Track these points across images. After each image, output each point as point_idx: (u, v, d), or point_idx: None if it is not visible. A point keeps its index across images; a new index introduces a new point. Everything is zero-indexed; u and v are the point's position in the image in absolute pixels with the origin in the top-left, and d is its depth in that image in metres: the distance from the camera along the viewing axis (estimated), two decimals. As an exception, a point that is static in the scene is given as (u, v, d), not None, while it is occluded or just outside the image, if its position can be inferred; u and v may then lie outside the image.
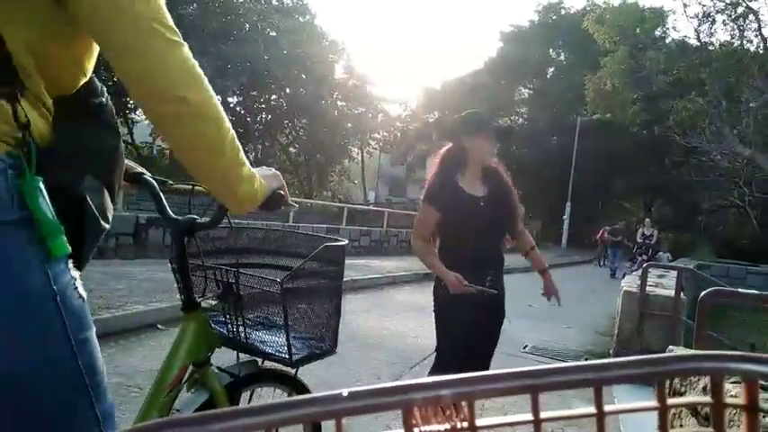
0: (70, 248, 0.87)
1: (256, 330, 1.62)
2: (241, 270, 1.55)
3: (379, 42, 75.00)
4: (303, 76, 24.24)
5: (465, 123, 2.56)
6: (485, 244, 2.55)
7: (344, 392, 0.34)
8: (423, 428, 0.34)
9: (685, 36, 21.58)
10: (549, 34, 30.15)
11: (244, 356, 1.62)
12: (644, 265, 5.41)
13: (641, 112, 18.40)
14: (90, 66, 0.94)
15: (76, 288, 0.90)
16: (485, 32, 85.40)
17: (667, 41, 17.14)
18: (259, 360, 1.62)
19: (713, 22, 14.66)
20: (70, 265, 0.89)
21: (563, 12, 30.84)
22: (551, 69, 32.63)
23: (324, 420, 0.34)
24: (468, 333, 2.49)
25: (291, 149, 29.26)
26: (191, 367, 1.42)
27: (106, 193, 0.99)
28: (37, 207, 0.82)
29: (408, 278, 9.06)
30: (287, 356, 1.52)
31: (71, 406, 0.89)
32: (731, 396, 0.37)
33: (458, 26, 74.85)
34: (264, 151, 29.43)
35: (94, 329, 0.93)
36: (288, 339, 1.50)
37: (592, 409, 0.36)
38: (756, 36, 14.07)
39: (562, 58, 32.43)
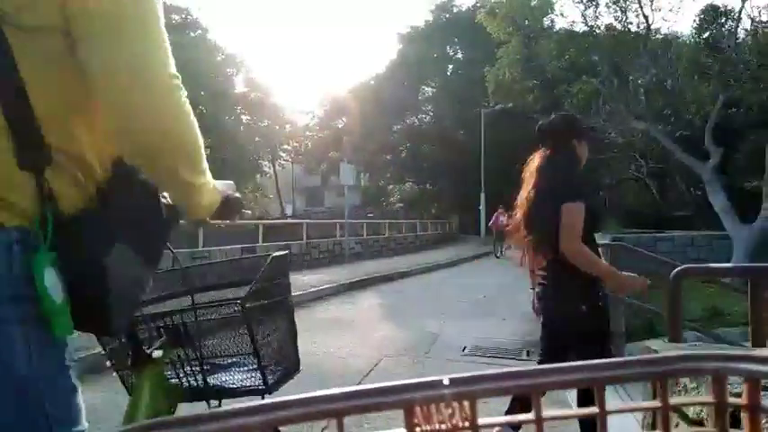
0: (71, 329, 0.85)
1: (222, 370, 1.50)
2: (188, 307, 1.40)
3: (280, 53, 73.79)
4: (201, 93, 23.19)
5: (577, 128, 2.62)
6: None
7: (345, 391, 0.34)
8: (424, 428, 0.34)
9: (573, 21, 22.61)
10: (445, 32, 30.77)
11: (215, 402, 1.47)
12: None
13: (540, 99, 18.98)
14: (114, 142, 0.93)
15: (69, 376, 0.88)
16: (385, 35, 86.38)
17: (557, 29, 17.77)
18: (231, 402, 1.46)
19: (597, 5, 15.28)
20: (70, 348, 0.88)
21: (455, 9, 31.55)
22: (451, 66, 33.30)
23: (324, 419, 0.34)
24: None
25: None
26: None
27: (143, 263, 0.96)
28: (41, 285, 0.81)
29: (332, 291, 8.64)
30: (262, 386, 1.41)
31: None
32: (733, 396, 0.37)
33: (358, 31, 75.19)
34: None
35: (86, 427, 0.89)
36: (260, 364, 1.40)
37: (593, 409, 0.37)
38: (637, 16, 14.85)
39: (460, 55, 33.17)
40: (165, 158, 0.90)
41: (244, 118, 27.41)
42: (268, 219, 23.78)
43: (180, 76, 0.87)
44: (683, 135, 16.09)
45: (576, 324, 2.34)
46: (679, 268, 1.85)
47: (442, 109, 30.60)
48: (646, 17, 13.77)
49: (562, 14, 26.90)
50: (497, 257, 16.68)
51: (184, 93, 0.88)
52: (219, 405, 1.46)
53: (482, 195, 22.94)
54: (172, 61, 0.87)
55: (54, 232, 0.83)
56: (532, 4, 17.31)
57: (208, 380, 1.44)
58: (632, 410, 0.39)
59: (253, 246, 11.02)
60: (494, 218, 17.02)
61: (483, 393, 0.35)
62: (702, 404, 0.42)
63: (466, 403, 0.35)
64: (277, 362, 1.53)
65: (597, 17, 15.87)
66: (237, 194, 1.20)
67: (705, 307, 7.81)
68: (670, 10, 15.20)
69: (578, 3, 15.58)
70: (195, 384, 1.44)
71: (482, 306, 8.02)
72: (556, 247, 2.32)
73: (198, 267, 1.72)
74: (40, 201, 0.83)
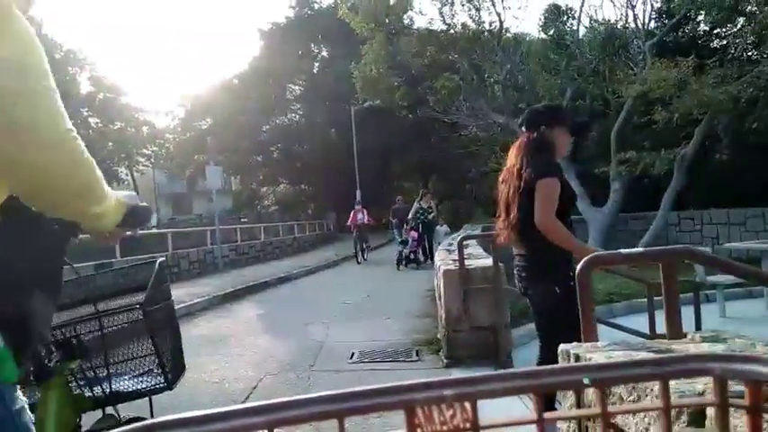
0: (16, 373, 0.91)
1: (124, 374, 1.57)
2: (90, 316, 1.51)
3: (131, 49, 68.21)
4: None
5: (546, 115, 2.76)
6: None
7: (346, 392, 0.34)
8: (425, 429, 0.35)
9: (431, 19, 23.33)
10: (308, 29, 30.33)
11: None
12: (412, 242, 5.20)
13: (405, 95, 19.32)
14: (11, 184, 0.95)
15: (26, 410, 0.96)
16: (245, 31, 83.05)
17: (416, 26, 18.18)
18: (120, 412, 1.57)
19: (452, 4, 15.80)
20: (18, 389, 0.95)
21: (316, 6, 31.24)
22: (317, 64, 32.96)
23: (326, 420, 0.34)
24: None
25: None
26: None
27: (51, 306, 1.08)
28: None
29: (204, 305, 7.97)
30: (163, 384, 1.51)
31: None
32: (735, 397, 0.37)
33: (216, 26, 71.52)
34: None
35: None
36: (162, 364, 1.50)
37: (596, 410, 0.37)
38: (489, 14, 15.60)
39: (325, 52, 32.94)
40: (71, 203, 0.97)
41: (92, 121, 24.92)
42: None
43: (74, 129, 0.92)
44: (538, 127, 17.20)
45: (550, 303, 2.52)
46: (589, 256, 1.72)
47: (312, 107, 30.21)
48: (498, 14, 14.43)
49: (421, 12, 27.74)
50: (359, 263, 14.17)
51: (78, 142, 0.92)
52: (115, 410, 1.56)
53: (358, 193, 22.94)
54: (63, 116, 0.89)
55: None
56: (391, 2, 17.54)
57: (112, 386, 1.49)
58: (633, 411, 0.40)
59: (110, 261, 9.90)
60: (351, 215, 14.76)
61: (484, 394, 0.36)
62: (703, 405, 0.43)
63: (467, 404, 0.35)
64: (172, 360, 1.62)
65: (453, 15, 16.44)
66: (144, 204, 1.21)
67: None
68: (519, 8, 16.09)
69: (435, 1, 16.03)
70: (100, 392, 1.49)
71: (366, 306, 7.85)
72: (530, 225, 2.48)
73: (83, 278, 1.72)
74: None
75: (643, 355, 1.19)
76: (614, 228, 13.10)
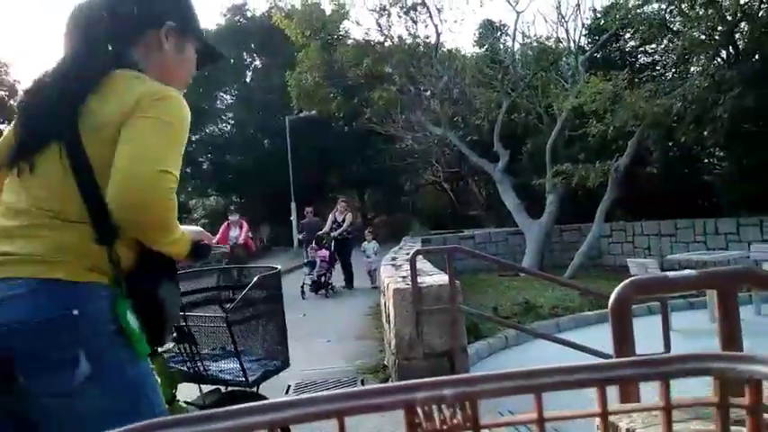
0: (149, 349, 1.28)
1: (214, 361, 1.82)
2: (189, 312, 1.78)
3: (39, 50, 64.26)
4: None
5: None
6: None
7: (346, 392, 0.34)
8: (425, 428, 0.34)
9: (368, 29, 23.08)
10: (240, 37, 29.40)
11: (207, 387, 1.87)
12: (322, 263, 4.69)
13: (342, 106, 18.92)
14: None
15: (154, 374, 1.34)
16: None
17: (353, 37, 17.86)
18: (222, 387, 1.85)
19: (389, 15, 15.58)
20: (146, 357, 1.29)
21: (249, 14, 30.39)
22: (250, 73, 32.02)
23: (326, 419, 0.34)
24: None
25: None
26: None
27: (177, 292, 1.43)
28: (126, 323, 1.21)
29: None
30: (243, 380, 1.74)
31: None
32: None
33: (142, 35, 68.56)
34: None
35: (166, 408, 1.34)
36: (241, 364, 1.72)
37: (596, 410, 0.37)
38: (426, 27, 15.51)
39: (258, 62, 32.05)
40: (147, 233, 1.25)
41: None
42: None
43: (172, 171, 1.22)
44: (473, 140, 17.26)
45: None
46: (629, 281, 1.32)
47: (244, 117, 29.22)
48: (435, 26, 14.31)
49: (358, 23, 27.51)
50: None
51: (171, 181, 1.22)
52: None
53: (292, 205, 22.22)
54: (174, 162, 1.25)
55: (124, 284, 1.24)
56: (327, 13, 17.16)
57: (202, 368, 1.78)
58: (633, 411, 0.41)
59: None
60: (221, 231, 10.45)
61: (484, 394, 0.35)
62: (704, 405, 0.40)
63: (467, 404, 0.35)
64: (262, 360, 1.84)
65: (390, 27, 16.21)
66: (206, 243, 1.49)
67: (516, 301, 8.05)
68: (455, 21, 16.11)
69: (372, 11, 15.79)
70: (191, 370, 1.80)
71: (303, 326, 7.26)
72: None
73: (195, 272, 2.08)
74: (113, 265, 1.22)
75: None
76: (549, 238, 13.14)
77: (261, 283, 1.81)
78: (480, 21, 19.65)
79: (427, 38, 16.59)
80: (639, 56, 15.88)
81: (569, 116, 12.39)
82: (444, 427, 0.34)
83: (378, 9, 15.45)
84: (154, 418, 0.82)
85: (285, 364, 1.90)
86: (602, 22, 14.13)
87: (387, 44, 16.66)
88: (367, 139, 25.52)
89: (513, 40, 14.77)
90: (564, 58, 14.91)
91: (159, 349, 1.57)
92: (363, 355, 5.29)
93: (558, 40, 14.15)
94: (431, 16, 14.42)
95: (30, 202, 1.22)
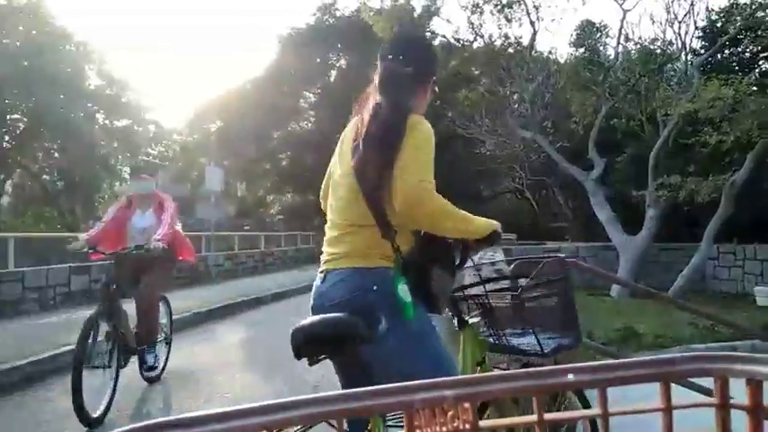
0: (413, 313, 1.68)
1: (515, 336, 2.07)
2: (490, 293, 2.08)
3: (144, 46, 67.59)
4: (48, 86, 19.68)
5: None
6: None
7: (345, 393, 0.34)
8: (425, 430, 0.35)
9: (457, 27, 22.42)
10: (328, 37, 29.53)
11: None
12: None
13: (428, 106, 18.30)
14: None
15: (436, 331, 1.78)
16: (264, 37, 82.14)
17: (441, 34, 17.25)
18: (523, 358, 2.11)
19: (482, 12, 14.80)
20: (426, 316, 1.77)
21: (338, 14, 30.48)
22: (334, 72, 32.14)
23: (325, 420, 0.35)
24: None
25: (45, 177, 24.10)
26: (477, 369, 2.03)
27: (448, 278, 1.85)
28: (396, 294, 1.65)
29: (183, 324, 6.81)
30: (539, 351, 1.96)
31: (426, 366, 1.71)
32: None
33: (236, 29, 70.70)
34: (13, 183, 23.88)
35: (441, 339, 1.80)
36: (536, 338, 1.94)
37: (597, 410, 0.37)
38: (520, 26, 14.66)
39: (343, 61, 32.13)
40: (427, 223, 1.74)
41: (99, 117, 24.06)
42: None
43: (433, 181, 1.71)
44: (564, 146, 16.17)
45: None
46: None
47: (326, 116, 29.30)
48: (532, 23, 13.41)
49: (448, 21, 26.88)
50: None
51: (431, 187, 1.70)
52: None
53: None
54: (426, 172, 1.72)
55: (402, 267, 1.71)
56: (416, 14, 16.68)
57: (503, 340, 2.07)
58: (633, 412, 0.38)
59: (88, 266, 8.84)
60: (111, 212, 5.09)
61: (483, 396, 0.35)
62: (705, 405, 0.40)
63: (467, 405, 0.34)
64: (554, 337, 2.03)
65: (482, 25, 15.45)
66: (498, 231, 1.88)
67: (613, 326, 7.12)
68: (552, 20, 15.08)
69: (464, 8, 15.07)
70: (497, 342, 2.10)
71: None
72: None
73: (493, 263, 2.68)
74: (395, 252, 1.71)
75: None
76: (646, 257, 11.92)
77: (547, 270, 2.04)
78: (579, 21, 18.42)
79: (520, 38, 15.74)
80: (761, 62, 14.23)
81: (679, 123, 11.17)
82: (444, 428, 0.34)
83: (471, 6, 14.72)
84: (437, 357, 1.70)
85: (577, 340, 2.06)
86: (720, 24, 12.74)
87: (476, 45, 15.94)
88: (447, 142, 24.82)
89: (618, 41, 13.59)
90: (672, 62, 13.61)
91: (469, 321, 2.09)
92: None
93: (668, 43, 12.92)
94: (528, 14, 13.52)
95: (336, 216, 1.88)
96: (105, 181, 24.64)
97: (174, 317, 6.79)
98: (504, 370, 1.95)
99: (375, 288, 1.68)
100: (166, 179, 34.64)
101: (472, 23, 15.05)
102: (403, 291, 1.66)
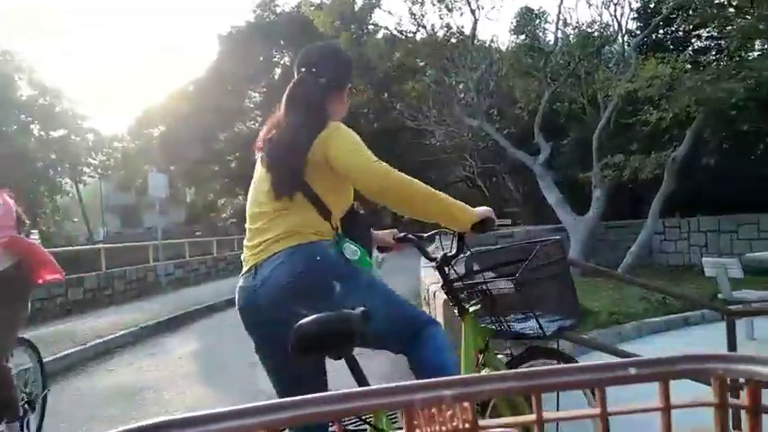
0: (371, 262, 1.92)
1: (517, 321, 2.06)
2: (489, 281, 2.07)
3: (79, 50, 64.62)
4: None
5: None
6: None
7: (344, 393, 0.34)
8: (424, 429, 0.35)
9: (400, 18, 22.34)
10: (270, 34, 28.99)
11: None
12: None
13: (371, 100, 18.21)
14: (350, 200, 1.95)
15: (378, 276, 1.99)
16: (205, 37, 79.91)
17: (384, 26, 17.11)
18: (527, 342, 2.15)
19: (423, 3, 14.75)
20: (375, 270, 1.98)
21: (279, 10, 29.95)
22: (278, 70, 31.61)
23: (325, 420, 0.35)
24: None
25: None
26: (480, 357, 2.07)
27: (366, 237, 2.10)
28: (347, 257, 1.82)
29: (129, 339, 6.49)
30: (541, 333, 1.97)
31: (390, 309, 1.84)
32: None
33: (175, 31, 68.51)
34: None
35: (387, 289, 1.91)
36: (537, 321, 1.95)
37: (595, 410, 0.37)
38: (462, 15, 14.68)
39: (287, 59, 31.62)
40: (387, 199, 1.82)
41: (33, 128, 22.88)
42: (75, 245, 19.91)
43: (375, 158, 1.82)
44: (511, 132, 16.36)
45: None
46: None
47: (270, 115, 28.80)
48: (473, 11, 13.45)
49: (390, 12, 26.80)
50: None
51: (380, 163, 1.79)
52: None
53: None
54: (368, 152, 1.82)
55: (342, 237, 1.84)
56: (356, 8, 16.49)
57: (505, 326, 2.06)
58: (633, 412, 0.38)
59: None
60: None
61: (482, 395, 0.35)
62: (704, 405, 0.41)
63: (466, 405, 0.35)
64: (554, 319, 2.03)
65: (423, 15, 15.40)
66: (492, 217, 1.97)
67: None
68: (492, 7, 15.17)
69: (405, 0, 14.98)
70: (499, 328, 2.08)
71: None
72: None
73: (491, 251, 2.37)
74: (334, 230, 1.84)
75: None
76: (595, 236, 12.19)
77: (543, 253, 2.02)
78: (519, 8, 18.63)
79: (462, 27, 15.78)
80: (694, 40, 14.73)
81: (619, 104, 11.42)
82: (444, 428, 0.34)
83: (411, -3, 14.62)
84: (388, 294, 1.88)
85: (575, 323, 2.10)
86: (653, 4, 13.09)
87: (419, 36, 15.88)
88: (396, 134, 24.81)
89: (557, 26, 13.79)
90: (610, 44, 13.91)
91: (470, 310, 2.08)
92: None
93: (605, 25, 13.19)
94: (468, 2, 13.54)
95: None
96: (45, 195, 23.46)
97: (118, 333, 6.48)
98: (508, 356, 2.15)
99: (319, 259, 1.74)
100: (110, 188, 33.38)
101: (414, 14, 15.00)
102: (349, 250, 1.79)
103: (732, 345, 2.76)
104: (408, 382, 0.34)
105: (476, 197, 25.73)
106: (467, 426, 0.34)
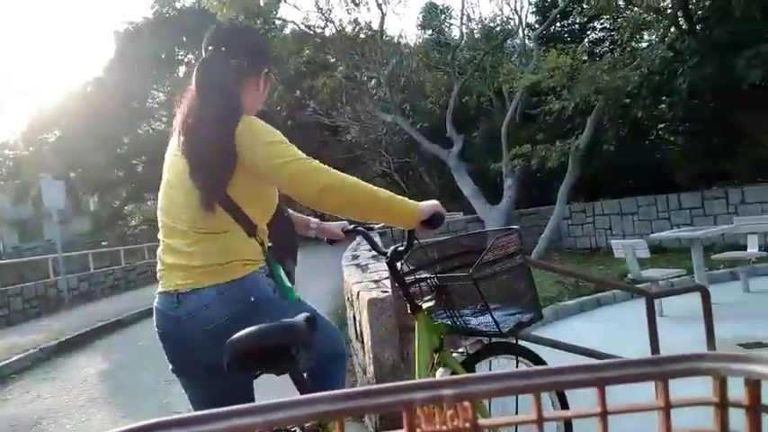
0: (296, 296, 1.75)
1: (474, 316, 1.98)
2: (440, 274, 2.00)
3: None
4: None
5: None
6: None
7: (345, 392, 0.34)
8: (425, 428, 0.35)
9: (307, 12, 21.98)
10: (170, 30, 27.65)
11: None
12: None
13: (283, 97, 17.87)
14: (273, 208, 1.76)
15: (305, 304, 1.77)
16: (101, 34, 74.78)
17: (291, 21, 16.81)
18: (485, 339, 2.04)
19: (328, -1, 14.58)
20: (301, 300, 1.77)
21: (179, 5, 28.63)
22: (182, 68, 30.27)
23: (325, 420, 0.35)
24: None
25: None
26: (435, 356, 1.95)
27: (292, 261, 2.10)
28: (282, 285, 1.69)
29: (24, 364, 5.90)
30: (497, 330, 1.89)
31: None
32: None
33: (67, 28, 63.65)
34: None
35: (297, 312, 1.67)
36: (492, 317, 1.87)
37: (595, 409, 0.37)
38: (369, 10, 14.69)
39: (191, 55, 30.34)
40: (326, 202, 1.61)
41: None
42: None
43: (302, 156, 1.61)
44: (424, 126, 16.62)
45: None
46: None
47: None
48: (380, 5, 13.47)
49: (296, 7, 26.38)
50: None
51: (310, 161, 1.60)
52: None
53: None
54: (295, 149, 1.62)
55: (275, 265, 1.70)
56: (261, 2, 16.03)
57: (460, 321, 1.97)
58: (632, 411, 0.38)
59: None
60: None
61: (483, 394, 0.35)
62: (703, 404, 0.41)
63: (466, 404, 0.35)
64: (513, 314, 1.96)
65: (330, 10, 15.26)
66: (441, 212, 1.77)
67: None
68: (399, 2, 15.28)
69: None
70: (453, 324, 1.98)
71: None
72: None
73: (441, 242, 2.24)
74: (262, 247, 1.68)
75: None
76: (510, 224, 12.61)
77: (499, 244, 1.91)
78: (424, 3, 18.91)
79: (370, 22, 15.78)
80: (589, 32, 15.57)
81: (523, 95, 11.86)
82: (444, 427, 0.34)
83: (314, -8, 14.43)
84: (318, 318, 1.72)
85: (538, 316, 2.00)
86: (550, -2, 13.70)
87: (327, 31, 15.72)
88: (311, 132, 24.51)
89: (461, 21, 14.12)
90: (512, 38, 14.42)
91: (423, 306, 1.97)
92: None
93: (507, 19, 13.67)
94: (377, -1, 13.55)
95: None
96: None
97: (13, 358, 5.92)
98: (463, 354, 2.01)
99: (253, 300, 1.60)
100: (5, 200, 30.62)
101: (321, 9, 14.80)
102: (283, 276, 1.70)
103: (652, 322, 2.95)
104: (409, 382, 0.34)
105: (394, 192, 25.72)
106: (467, 425, 0.34)
